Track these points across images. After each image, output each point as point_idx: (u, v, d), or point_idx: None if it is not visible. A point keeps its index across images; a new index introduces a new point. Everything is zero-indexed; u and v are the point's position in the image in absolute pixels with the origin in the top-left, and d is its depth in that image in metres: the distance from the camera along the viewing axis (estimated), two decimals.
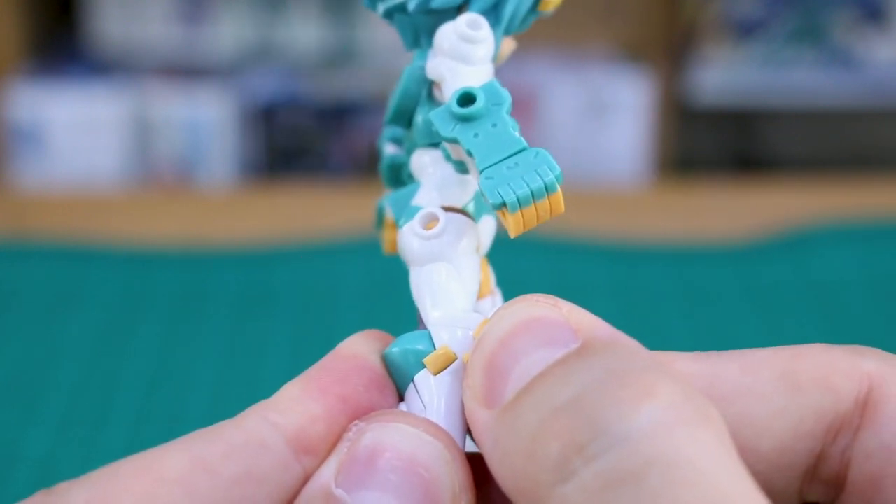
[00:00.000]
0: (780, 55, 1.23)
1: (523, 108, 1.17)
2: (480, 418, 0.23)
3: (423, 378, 0.24)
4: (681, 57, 1.23)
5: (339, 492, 0.22)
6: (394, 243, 0.28)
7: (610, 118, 1.19)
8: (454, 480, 0.22)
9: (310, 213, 0.77)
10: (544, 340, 0.22)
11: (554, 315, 0.23)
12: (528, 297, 0.23)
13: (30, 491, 0.22)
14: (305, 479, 0.23)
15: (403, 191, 0.27)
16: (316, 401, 0.24)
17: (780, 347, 0.24)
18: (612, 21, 1.23)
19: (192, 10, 1.21)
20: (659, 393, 0.20)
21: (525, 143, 0.24)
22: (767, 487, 0.24)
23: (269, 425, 0.23)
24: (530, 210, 0.24)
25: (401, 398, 0.25)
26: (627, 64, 1.22)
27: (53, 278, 0.69)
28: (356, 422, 0.23)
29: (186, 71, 1.20)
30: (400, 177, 0.29)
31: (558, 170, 0.24)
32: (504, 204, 0.24)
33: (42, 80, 1.16)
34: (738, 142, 1.32)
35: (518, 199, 0.24)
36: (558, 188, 0.24)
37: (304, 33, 1.22)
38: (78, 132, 1.15)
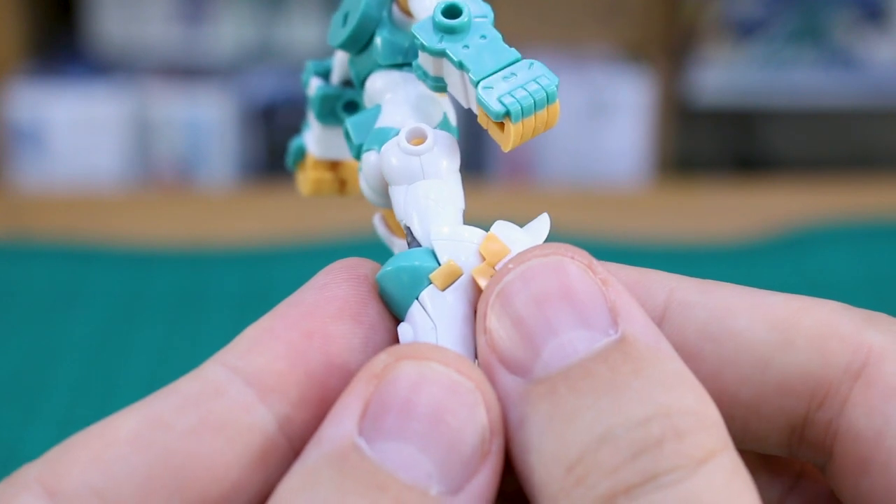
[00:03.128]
0: (780, 55, 1.23)
1: None
2: (502, 380, 0.22)
3: (429, 295, 0.23)
4: (681, 57, 1.23)
5: (360, 441, 0.20)
6: (318, 182, 0.27)
7: (610, 118, 1.19)
8: (484, 425, 0.21)
9: (310, 213, 0.77)
10: (582, 319, 0.21)
11: (592, 289, 0.22)
12: (561, 248, 0.22)
13: None
14: (280, 423, 0.22)
15: (362, 115, 0.26)
16: (277, 339, 0.22)
17: (796, 297, 0.24)
18: (612, 21, 1.23)
19: (192, 10, 1.21)
20: (716, 456, 0.20)
21: (518, 54, 0.24)
22: (744, 430, 0.23)
23: (226, 370, 0.22)
24: (530, 120, 0.23)
25: (397, 320, 0.24)
26: (627, 64, 1.22)
27: (53, 278, 0.69)
28: (380, 355, 0.21)
29: (186, 71, 1.20)
30: (333, 109, 0.27)
31: (556, 79, 0.24)
32: (508, 113, 0.23)
33: (42, 80, 1.16)
34: (738, 142, 1.32)
35: (522, 108, 0.23)
36: (556, 99, 0.23)
37: (304, 33, 1.22)
38: (78, 132, 1.15)
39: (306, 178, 0.28)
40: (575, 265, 0.22)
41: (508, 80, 0.23)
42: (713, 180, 1.21)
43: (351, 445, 0.20)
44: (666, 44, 1.23)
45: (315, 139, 0.28)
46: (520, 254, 0.23)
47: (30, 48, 1.20)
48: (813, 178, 0.97)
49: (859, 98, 1.25)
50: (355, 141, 0.25)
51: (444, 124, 0.26)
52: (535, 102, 0.23)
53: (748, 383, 0.23)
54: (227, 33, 1.21)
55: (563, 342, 0.21)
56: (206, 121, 1.17)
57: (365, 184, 0.25)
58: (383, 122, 0.25)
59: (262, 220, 0.77)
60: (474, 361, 0.23)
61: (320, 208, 0.78)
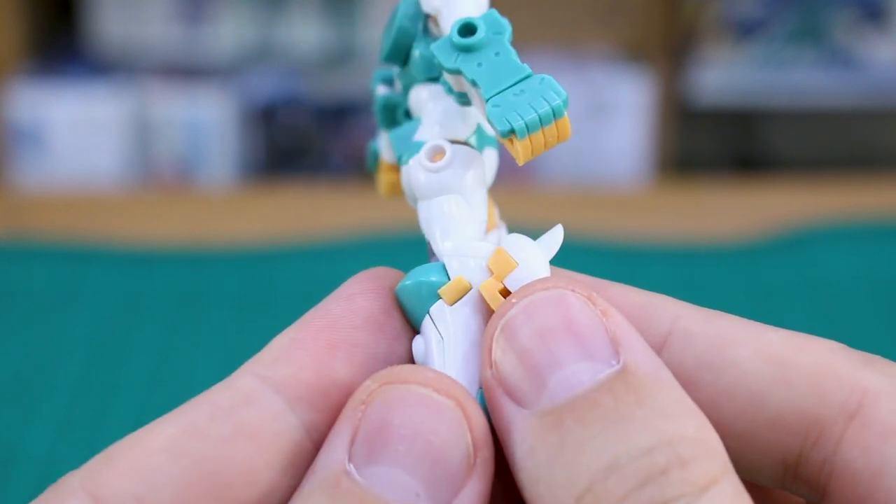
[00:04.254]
0: (780, 55, 1.23)
1: None
2: (508, 411, 0.22)
3: (438, 309, 0.24)
4: (681, 57, 1.23)
5: (350, 468, 0.21)
6: (391, 185, 0.28)
7: (610, 118, 1.19)
8: (467, 440, 0.22)
9: (310, 213, 0.77)
10: (585, 351, 0.22)
11: (593, 321, 0.23)
12: (562, 280, 0.23)
13: (30, 490, 0.22)
14: (307, 429, 0.23)
15: (404, 128, 0.27)
16: (304, 349, 0.23)
17: (797, 334, 0.24)
18: (612, 21, 1.23)
19: (192, 10, 1.21)
20: (718, 482, 0.21)
21: (529, 70, 0.24)
22: (738, 461, 0.23)
23: (256, 380, 0.23)
24: (538, 136, 0.24)
25: (416, 331, 0.24)
26: (627, 64, 1.22)
27: (53, 278, 0.69)
28: (366, 382, 0.22)
29: (186, 71, 1.20)
30: (395, 117, 0.28)
31: (565, 94, 0.24)
32: (513, 130, 0.24)
33: (42, 80, 1.16)
34: (738, 142, 1.32)
35: (527, 125, 0.24)
36: (565, 113, 0.24)
37: (304, 33, 1.22)
38: (78, 132, 1.15)
39: (381, 181, 0.29)
40: (576, 297, 0.23)
41: (517, 97, 0.24)
42: (713, 180, 1.21)
43: (342, 472, 0.21)
44: (666, 44, 1.23)
45: (384, 144, 0.29)
46: (522, 287, 0.23)
47: (30, 48, 1.20)
48: (813, 178, 0.97)
49: (859, 98, 1.25)
50: (396, 153, 0.26)
51: (476, 137, 0.26)
52: (539, 119, 0.24)
53: (743, 416, 0.24)
54: (227, 33, 1.21)
55: (567, 374, 0.22)
56: (206, 121, 1.17)
57: (407, 193, 0.26)
58: (420, 135, 0.26)
59: (262, 220, 0.77)
60: (479, 373, 0.23)
61: (320, 209, 0.78)
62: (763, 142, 1.32)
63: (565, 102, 0.24)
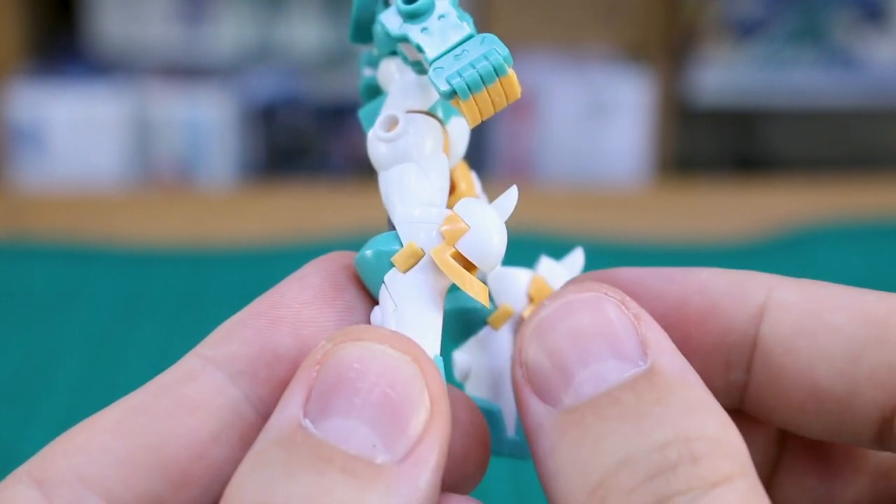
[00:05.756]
0: (780, 55, 1.23)
1: (523, 109, 1.17)
2: (535, 410, 0.23)
3: (392, 277, 0.24)
4: (681, 57, 1.23)
5: (306, 422, 0.21)
6: None
7: (610, 118, 1.19)
8: (424, 395, 0.22)
9: (310, 213, 0.77)
10: (615, 351, 0.23)
11: (625, 323, 0.23)
12: (594, 285, 0.24)
13: None
14: (252, 402, 0.23)
15: (372, 104, 0.26)
16: (247, 327, 0.23)
17: (890, 295, 0.24)
18: (612, 21, 1.23)
19: (192, 10, 1.21)
20: (732, 480, 0.21)
21: (472, 30, 0.24)
22: (839, 423, 0.24)
23: (199, 359, 0.23)
24: (483, 96, 0.23)
25: (376, 302, 0.24)
26: (627, 64, 1.22)
27: (53, 278, 0.69)
28: (322, 341, 0.22)
29: (186, 71, 1.20)
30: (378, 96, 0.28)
31: (506, 51, 0.23)
32: (454, 92, 0.23)
33: (42, 80, 1.16)
34: (738, 142, 1.32)
35: (468, 85, 0.23)
36: (508, 70, 0.23)
37: (304, 33, 1.22)
38: (78, 132, 1.15)
39: None
40: (609, 301, 0.23)
41: (459, 58, 0.23)
42: (713, 180, 1.21)
43: (297, 427, 0.21)
44: (666, 44, 1.23)
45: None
46: (557, 291, 0.24)
47: (30, 48, 1.20)
48: (813, 178, 0.97)
49: (859, 98, 1.25)
50: (365, 130, 0.26)
51: (442, 107, 0.26)
52: (481, 77, 0.23)
53: (841, 377, 0.24)
54: (227, 33, 1.21)
55: (594, 372, 0.22)
56: (206, 121, 1.17)
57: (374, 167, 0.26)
58: (386, 109, 0.26)
59: (262, 220, 0.77)
60: (438, 342, 0.24)
61: (320, 209, 0.78)
62: (763, 142, 1.32)
63: (507, 59, 0.23)
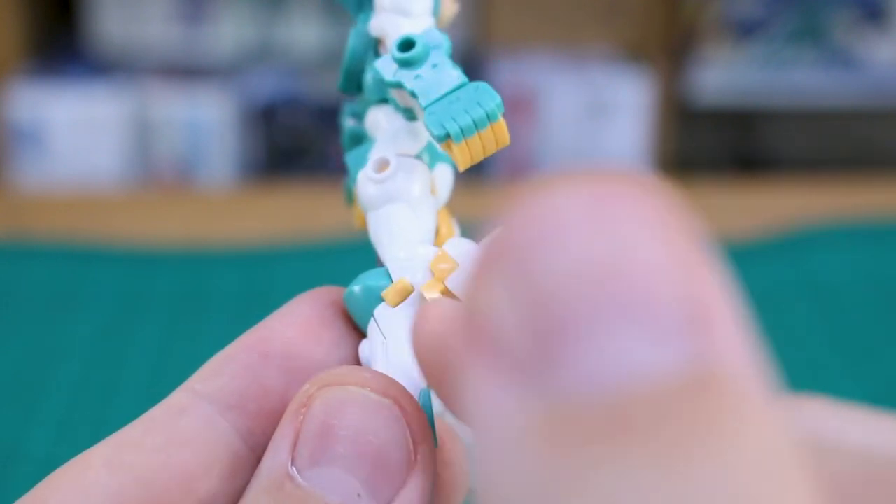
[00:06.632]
0: (780, 55, 1.23)
1: (523, 109, 1.17)
2: (488, 395, 0.14)
3: (381, 311, 0.25)
4: (681, 57, 1.23)
5: (293, 471, 0.21)
6: (361, 218, 0.29)
7: (610, 118, 1.19)
8: (406, 437, 0.22)
9: (310, 213, 0.77)
10: (651, 329, 0.13)
11: (667, 267, 0.14)
12: (626, 175, 0.14)
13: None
14: (243, 436, 0.23)
15: (360, 149, 0.28)
16: (236, 361, 0.24)
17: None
18: (612, 21, 1.23)
19: (192, 10, 1.21)
20: None
21: (465, 79, 0.25)
22: None
23: (188, 394, 0.23)
24: (475, 140, 0.24)
25: (363, 336, 0.25)
26: (627, 64, 1.22)
27: (53, 278, 0.69)
28: (305, 385, 0.22)
29: (186, 71, 1.20)
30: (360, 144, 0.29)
31: (498, 99, 0.24)
32: (448, 135, 0.24)
33: (42, 80, 1.16)
34: (738, 142, 1.32)
35: (461, 129, 0.24)
36: (500, 117, 0.24)
37: (304, 33, 1.22)
38: (78, 132, 1.15)
39: (356, 214, 0.29)
40: (668, 213, 0.14)
41: (453, 105, 0.25)
42: (713, 180, 1.21)
43: (285, 475, 0.21)
44: (666, 44, 1.23)
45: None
46: (541, 183, 0.15)
47: (30, 48, 1.20)
48: (813, 178, 0.97)
49: (859, 98, 1.25)
50: (352, 174, 0.27)
51: (428, 154, 0.27)
52: (474, 123, 0.24)
53: None
54: (227, 33, 1.21)
55: (611, 349, 0.13)
56: (206, 121, 1.17)
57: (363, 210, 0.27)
58: (374, 154, 0.27)
59: (262, 220, 0.77)
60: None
61: (320, 209, 0.78)
62: (763, 142, 1.32)
63: (499, 107, 0.24)
